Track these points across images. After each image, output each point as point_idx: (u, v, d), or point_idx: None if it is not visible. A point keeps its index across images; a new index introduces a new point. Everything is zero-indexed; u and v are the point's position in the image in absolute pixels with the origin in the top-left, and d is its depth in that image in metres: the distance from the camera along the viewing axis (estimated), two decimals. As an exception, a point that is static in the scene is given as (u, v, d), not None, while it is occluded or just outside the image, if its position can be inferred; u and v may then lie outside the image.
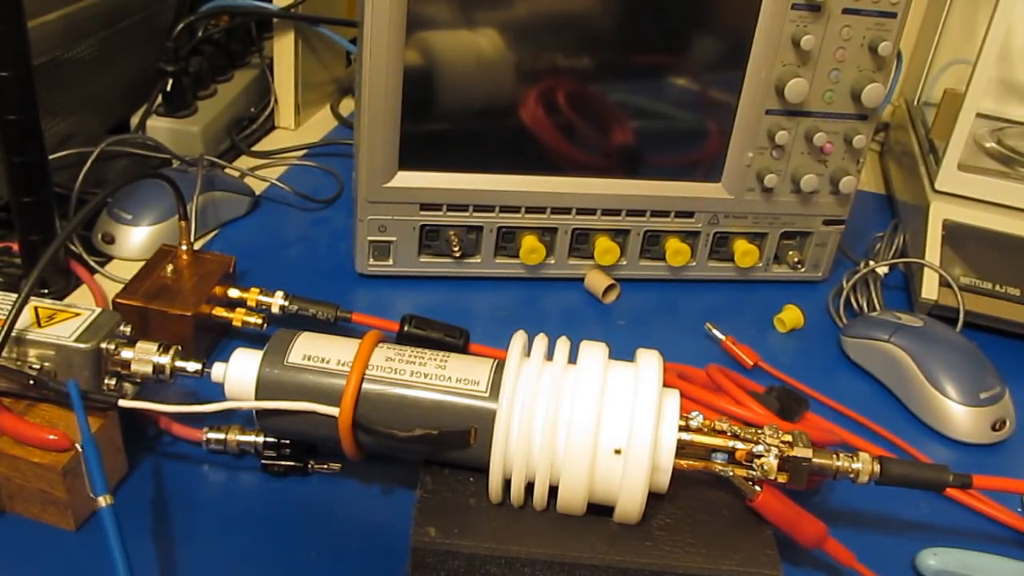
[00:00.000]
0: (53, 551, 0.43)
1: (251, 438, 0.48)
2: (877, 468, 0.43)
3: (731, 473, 0.42)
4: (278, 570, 0.44)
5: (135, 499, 0.46)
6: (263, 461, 0.48)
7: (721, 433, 0.43)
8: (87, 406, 0.44)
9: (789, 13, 0.62)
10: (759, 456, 0.42)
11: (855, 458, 0.43)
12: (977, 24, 0.86)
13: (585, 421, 0.41)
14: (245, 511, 0.46)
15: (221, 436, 0.49)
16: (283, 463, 0.48)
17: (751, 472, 0.42)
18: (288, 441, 0.48)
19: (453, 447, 0.42)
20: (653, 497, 0.42)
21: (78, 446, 0.40)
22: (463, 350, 0.58)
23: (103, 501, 0.37)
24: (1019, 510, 0.53)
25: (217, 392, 0.45)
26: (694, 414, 0.43)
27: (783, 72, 0.64)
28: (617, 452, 0.41)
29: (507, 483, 0.42)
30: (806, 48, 0.62)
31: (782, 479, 0.42)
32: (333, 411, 0.42)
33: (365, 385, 0.43)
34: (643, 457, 0.40)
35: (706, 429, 0.43)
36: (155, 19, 0.85)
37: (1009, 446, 0.59)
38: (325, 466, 0.49)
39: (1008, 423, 0.59)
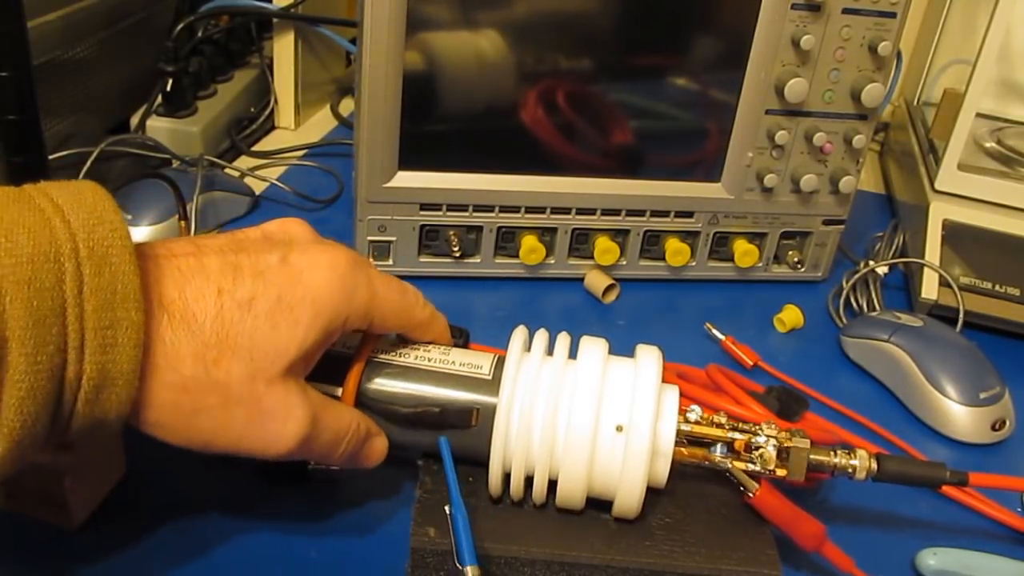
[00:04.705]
0: (53, 551, 0.43)
1: (251, 438, 0.48)
2: (874, 465, 0.43)
3: (730, 464, 0.42)
4: (278, 570, 0.44)
5: (135, 499, 0.46)
6: (263, 461, 0.48)
7: (719, 426, 0.43)
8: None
9: (789, 13, 0.62)
10: (757, 448, 0.42)
11: (852, 455, 0.43)
12: (977, 24, 0.86)
13: (586, 402, 0.41)
14: (245, 511, 0.46)
15: (221, 436, 0.48)
16: (283, 463, 0.48)
17: (750, 465, 0.42)
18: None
19: (455, 425, 0.42)
20: (652, 494, 0.42)
21: (446, 509, 0.39)
22: (464, 346, 0.57)
23: (471, 572, 0.36)
24: (1019, 510, 0.53)
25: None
26: (693, 407, 0.43)
27: (783, 72, 0.64)
28: (619, 429, 0.41)
29: (506, 478, 0.42)
30: (806, 48, 0.62)
31: (781, 472, 0.42)
32: (336, 391, 0.42)
33: (369, 366, 0.43)
34: (643, 440, 0.40)
35: (704, 422, 0.43)
36: (155, 19, 0.85)
37: (1009, 446, 0.59)
38: (325, 466, 0.48)
39: (1008, 423, 0.59)
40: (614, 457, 0.41)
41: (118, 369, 0.33)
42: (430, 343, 0.45)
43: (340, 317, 0.39)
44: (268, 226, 0.42)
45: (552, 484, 0.42)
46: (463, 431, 0.42)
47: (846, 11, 0.62)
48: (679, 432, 0.42)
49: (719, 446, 0.43)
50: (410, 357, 0.44)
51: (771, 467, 0.42)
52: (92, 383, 0.32)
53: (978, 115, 0.73)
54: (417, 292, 0.44)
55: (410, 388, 0.43)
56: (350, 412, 0.41)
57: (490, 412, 0.41)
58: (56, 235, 0.32)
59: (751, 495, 0.42)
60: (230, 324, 0.36)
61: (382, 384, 0.43)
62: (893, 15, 0.63)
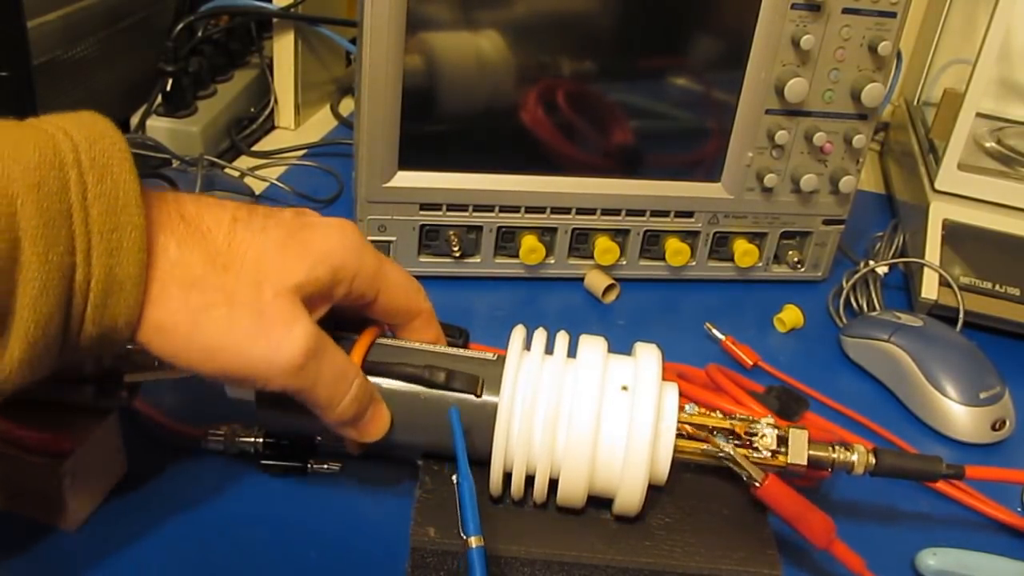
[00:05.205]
0: (53, 551, 0.43)
1: (250, 438, 0.48)
2: (872, 459, 0.43)
3: (731, 451, 0.42)
4: (278, 570, 0.44)
5: (135, 499, 0.46)
6: (262, 461, 0.48)
7: (718, 419, 0.43)
8: (93, 406, 0.44)
9: (789, 13, 0.62)
10: (755, 434, 0.42)
11: (851, 450, 0.43)
12: (977, 24, 0.86)
13: (587, 398, 0.41)
14: (245, 511, 0.46)
15: (221, 436, 0.49)
16: (283, 463, 0.48)
17: (752, 453, 0.42)
18: (287, 440, 0.48)
19: (461, 391, 0.42)
20: (652, 493, 0.42)
21: (454, 479, 0.39)
22: (464, 347, 0.58)
23: (474, 542, 0.37)
24: (1019, 509, 0.53)
25: (218, 392, 0.45)
26: (690, 403, 0.43)
27: (783, 72, 0.64)
28: (624, 389, 0.41)
29: (507, 477, 0.42)
30: (806, 48, 0.62)
31: (782, 460, 0.42)
32: None
33: (375, 344, 0.43)
34: (646, 428, 0.40)
35: (702, 413, 0.43)
36: (155, 19, 0.85)
37: (1009, 446, 0.59)
38: (325, 466, 0.49)
39: (1008, 423, 0.59)
40: (616, 453, 0.41)
41: (125, 273, 0.34)
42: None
43: (348, 269, 0.40)
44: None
45: (553, 484, 0.42)
46: (465, 431, 0.42)
47: (846, 11, 0.62)
48: (679, 422, 0.42)
49: (719, 435, 0.42)
50: (415, 343, 0.44)
51: (772, 448, 0.42)
52: (101, 286, 0.34)
53: (978, 115, 0.73)
54: (421, 286, 0.45)
55: (418, 354, 0.43)
56: (356, 366, 0.41)
57: (491, 412, 0.41)
58: (60, 147, 0.33)
59: (758, 484, 0.42)
60: (241, 241, 0.38)
61: (390, 351, 0.43)
62: (893, 15, 0.63)
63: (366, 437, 0.42)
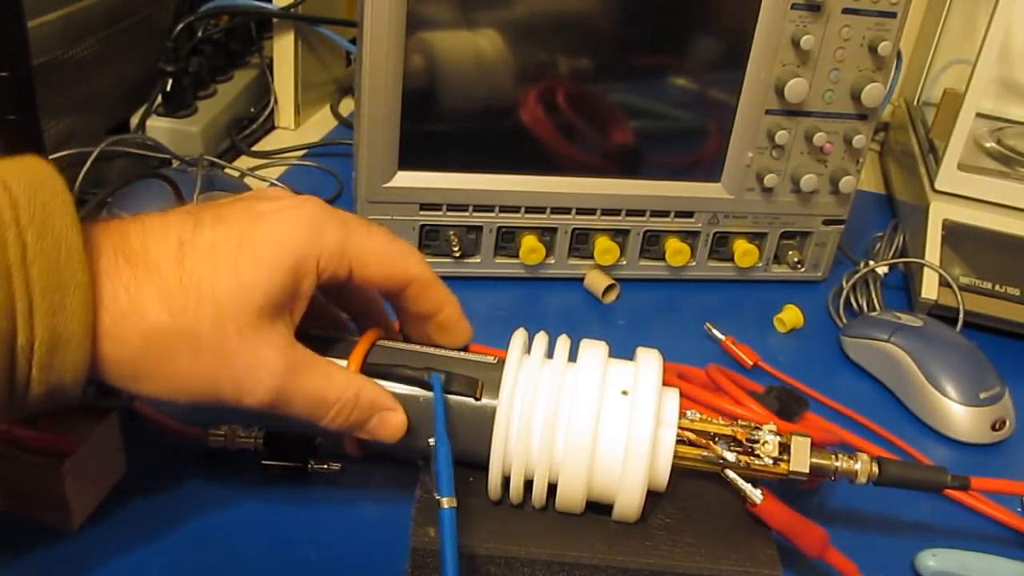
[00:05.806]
0: (53, 551, 0.43)
1: (250, 438, 0.48)
2: (875, 469, 0.43)
3: (732, 459, 0.42)
4: (278, 570, 0.44)
5: (135, 499, 0.46)
6: (263, 461, 0.48)
7: (719, 425, 0.43)
8: (93, 406, 0.44)
9: (789, 13, 0.62)
10: (757, 441, 0.42)
11: (854, 459, 0.43)
12: (977, 24, 0.86)
13: (586, 404, 0.41)
14: (245, 511, 0.46)
15: (221, 436, 0.48)
16: (283, 463, 0.48)
17: (754, 460, 0.42)
18: (287, 440, 0.48)
19: (460, 393, 0.42)
20: (652, 496, 0.42)
21: (431, 441, 0.39)
22: (463, 350, 0.57)
23: (446, 503, 0.37)
24: (1019, 510, 0.53)
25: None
26: (692, 411, 0.43)
27: (783, 72, 0.64)
28: (624, 393, 0.41)
29: (506, 481, 0.42)
30: (806, 48, 0.63)
31: (783, 468, 0.42)
32: (341, 362, 0.42)
33: (376, 346, 0.43)
34: (644, 439, 0.40)
35: (704, 420, 0.43)
36: (155, 19, 0.85)
37: (1009, 446, 0.59)
38: (325, 466, 0.49)
39: (1008, 423, 0.59)
40: (614, 462, 0.41)
41: (69, 331, 0.33)
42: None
43: (309, 258, 0.38)
44: (248, 193, 0.42)
45: (552, 488, 0.42)
46: (464, 434, 0.42)
47: (846, 11, 0.62)
48: (680, 429, 0.42)
49: (720, 442, 0.42)
50: (415, 346, 0.44)
51: (774, 456, 0.42)
52: (45, 348, 0.33)
53: (978, 115, 0.73)
54: (413, 249, 0.43)
55: (418, 357, 0.43)
56: (348, 379, 0.40)
57: (490, 415, 0.41)
58: None
59: (755, 503, 0.42)
60: (193, 271, 0.36)
61: (390, 353, 0.43)
62: (893, 15, 0.63)
63: (375, 438, 0.41)
